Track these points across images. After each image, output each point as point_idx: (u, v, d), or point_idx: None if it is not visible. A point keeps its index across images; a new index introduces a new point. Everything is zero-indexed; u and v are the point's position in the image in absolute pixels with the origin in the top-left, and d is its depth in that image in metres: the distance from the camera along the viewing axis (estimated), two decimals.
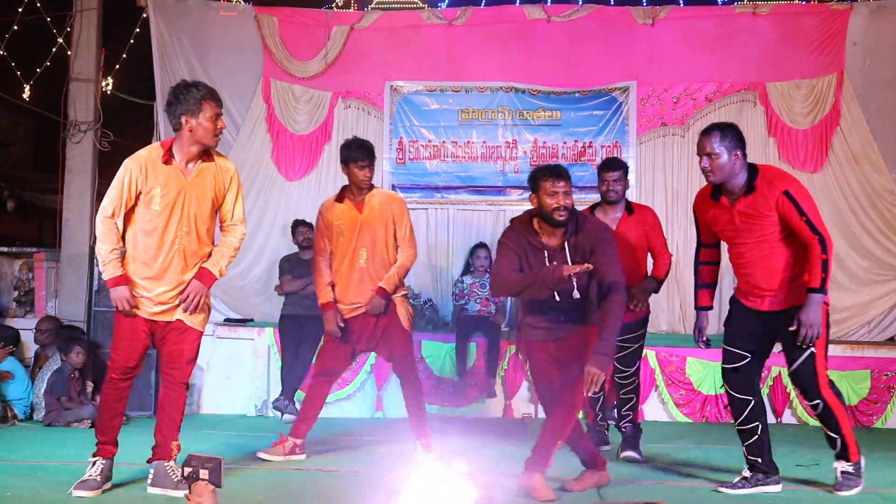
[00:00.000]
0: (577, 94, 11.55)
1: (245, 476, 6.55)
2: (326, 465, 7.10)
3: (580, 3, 11.79)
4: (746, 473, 6.47)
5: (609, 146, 11.41)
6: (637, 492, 6.27)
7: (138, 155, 6.20)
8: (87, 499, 5.91)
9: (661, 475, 6.87)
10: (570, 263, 6.05)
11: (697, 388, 10.23)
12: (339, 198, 7.64)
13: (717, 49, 11.43)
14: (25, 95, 12.17)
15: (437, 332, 10.61)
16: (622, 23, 11.56)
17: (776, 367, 10.19)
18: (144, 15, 11.59)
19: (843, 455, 6.47)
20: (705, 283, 6.83)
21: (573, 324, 6.24)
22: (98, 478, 6.07)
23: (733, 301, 6.65)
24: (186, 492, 5.07)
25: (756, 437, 6.45)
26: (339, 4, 12.17)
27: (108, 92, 11.81)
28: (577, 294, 6.09)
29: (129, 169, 6.12)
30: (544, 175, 6.12)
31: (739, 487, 6.40)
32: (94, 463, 6.14)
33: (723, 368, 6.59)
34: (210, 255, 6.27)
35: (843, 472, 6.44)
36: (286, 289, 10.34)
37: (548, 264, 6.09)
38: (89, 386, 9.59)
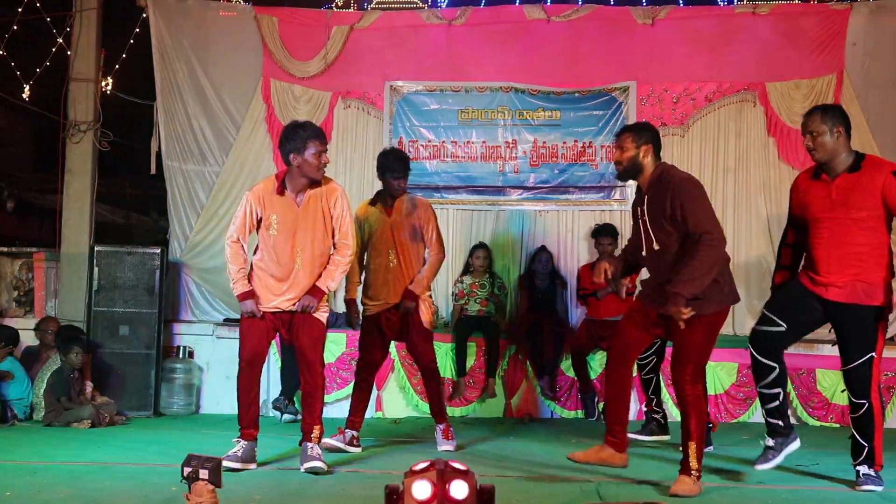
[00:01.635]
0: (576, 94, 11.55)
1: (244, 476, 6.56)
2: (326, 465, 7.06)
3: (580, 3, 11.80)
4: (770, 442, 6.70)
5: (609, 146, 11.39)
6: (637, 492, 6.27)
7: (256, 187, 7.18)
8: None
9: (661, 475, 6.85)
10: (647, 217, 6.40)
11: None
12: (373, 201, 8.17)
13: (716, 49, 11.44)
14: (25, 95, 12.17)
15: (436, 332, 10.58)
16: (622, 23, 11.56)
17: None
18: (144, 15, 11.59)
19: (867, 461, 6.58)
20: (785, 265, 6.97)
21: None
22: (239, 453, 6.93)
23: (795, 278, 6.76)
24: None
25: (778, 402, 6.73)
26: (339, 4, 12.18)
27: (108, 92, 11.79)
28: (656, 246, 6.34)
29: (249, 200, 7.10)
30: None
31: (771, 459, 6.67)
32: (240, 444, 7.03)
33: (754, 330, 6.81)
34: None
35: (865, 474, 6.52)
36: None
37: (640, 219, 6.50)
38: (88, 386, 9.59)
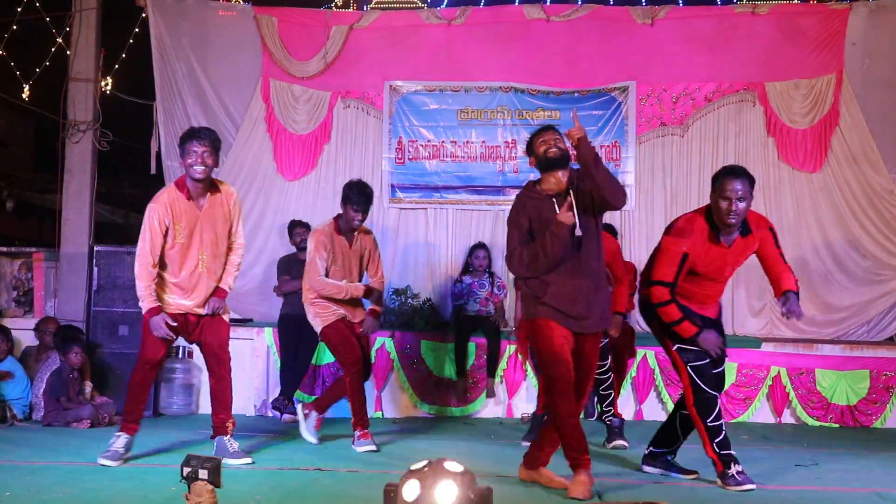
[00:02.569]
0: (576, 94, 11.57)
1: (243, 476, 6.55)
2: (325, 465, 7.08)
3: (579, 2, 11.81)
4: (739, 467, 6.53)
5: (608, 146, 11.42)
6: (637, 491, 6.28)
7: (160, 199, 7.21)
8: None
9: (661, 475, 6.88)
10: (574, 207, 6.22)
11: None
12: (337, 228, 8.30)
13: (716, 49, 11.47)
14: (25, 95, 12.16)
15: (436, 332, 10.62)
16: (621, 23, 11.58)
17: (775, 367, 10.25)
18: (144, 15, 11.60)
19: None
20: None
21: (598, 317, 6.38)
22: (121, 450, 7.11)
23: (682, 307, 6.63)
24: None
25: (725, 433, 6.63)
26: (339, 4, 12.17)
27: (108, 92, 11.79)
28: (578, 231, 6.23)
29: (157, 214, 7.15)
30: (535, 134, 6.53)
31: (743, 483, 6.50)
32: (119, 437, 7.21)
33: (694, 367, 6.57)
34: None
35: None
36: (285, 289, 10.35)
37: (558, 212, 6.26)
38: (88, 386, 9.59)
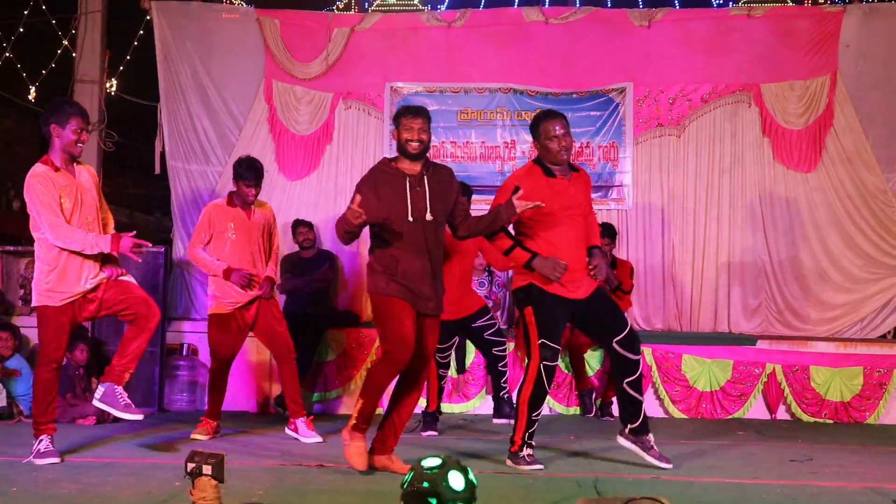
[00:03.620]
0: (574, 95, 11.65)
1: (247, 472, 6.59)
2: (327, 461, 7.14)
3: (577, 5, 11.90)
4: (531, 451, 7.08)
5: (606, 146, 11.52)
6: (633, 487, 6.28)
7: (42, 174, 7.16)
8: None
9: (657, 470, 6.91)
10: (427, 191, 6.61)
11: (693, 385, 10.35)
12: (230, 202, 8.60)
13: (712, 50, 11.54)
14: (31, 97, 12.24)
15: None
16: (619, 25, 11.66)
17: (770, 364, 10.34)
18: (148, 17, 11.69)
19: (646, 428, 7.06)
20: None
21: (438, 300, 6.75)
22: (51, 447, 7.13)
23: (544, 294, 6.89)
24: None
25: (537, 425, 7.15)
26: (340, 7, 12.25)
27: (113, 93, 11.89)
28: (429, 216, 6.59)
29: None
30: (403, 113, 6.74)
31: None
32: (42, 440, 7.15)
33: (546, 366, 6.90)
34: None
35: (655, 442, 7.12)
36: (287, 287, 10.44)
37: (408, 190, 6.60)
38: (94, 383, 9.66)
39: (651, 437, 7.02)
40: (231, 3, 12.25)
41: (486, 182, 11.65)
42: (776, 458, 7.67)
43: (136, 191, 18.17)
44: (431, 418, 8.89)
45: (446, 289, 7.18)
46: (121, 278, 7.24)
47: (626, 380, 6.92)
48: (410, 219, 6.57)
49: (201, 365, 10.63)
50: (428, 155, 6.78)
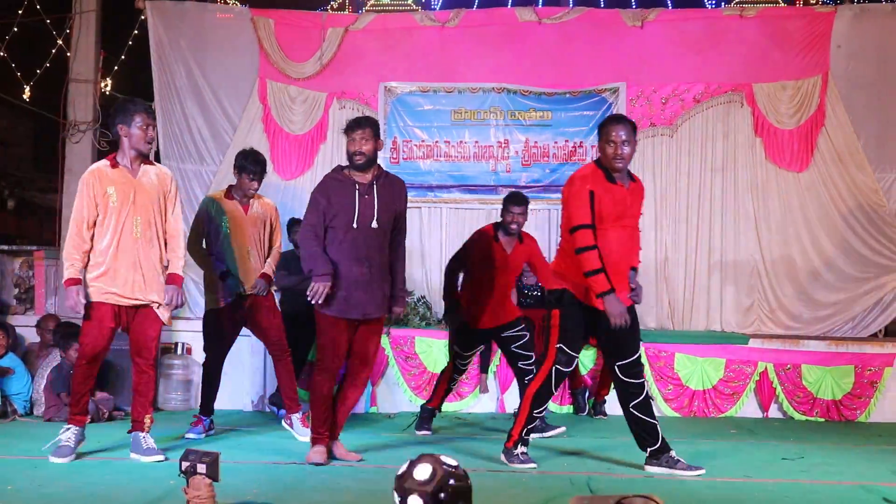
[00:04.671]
0: (567, 95, 11.68)
1: (241, 470, 6.61)
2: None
3: (570, 5, 11.93)
4: (525, 449, 7.12)
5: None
6: (626, 485, 6.31)
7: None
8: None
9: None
10: (376, 200, 6.96)
11: (686, 384, 10.38)
12: (228, 195, 8.62)
13: (704, 51, 11.57)
14: (25, 96, 12.25)
15: (430, 329, 10.73)
16: (612, 25, 11.69)
17: (763, 362, 10.38)
18: (143, 17, 11.70)
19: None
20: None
21: (375, 305, 7.09)
22: (71, 444, 7.06)
23: (578, 303, 6.85)
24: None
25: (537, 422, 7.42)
26: (334, 7, 12.27)
27: (107, 93, 11.91)
28: (375, 224, 6.94)
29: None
30: (349, 126, 7.06)
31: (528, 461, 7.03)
32: (68, 430, 7.13)
33: (559, 371, 6.92)
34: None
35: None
36: (281, 285, 10.44)
37: (357, 198, 6.94)
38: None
39: (673, 452, 6.89)
40: (225, 2, 12.27)
41: (479, 181, 11.72)
42: (768, 457, 7.71)
43: None
44: (428, 414, 8.90)
45: (490, 300, 7.83)
46: (159, 313, 7.26)
47: (632, 403, 6.87)
48: (355, 225, 6.90)
49: (195, 364, 10.64)
50: (381, 165, 7.13)
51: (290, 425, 8.42)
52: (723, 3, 11.84)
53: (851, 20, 11.37)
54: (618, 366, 6.83)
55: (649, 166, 11.62)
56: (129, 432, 7.24)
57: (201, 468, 5.03)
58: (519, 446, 7.02)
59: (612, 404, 10.25)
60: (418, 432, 8.74)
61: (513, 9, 11.92)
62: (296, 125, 11.84)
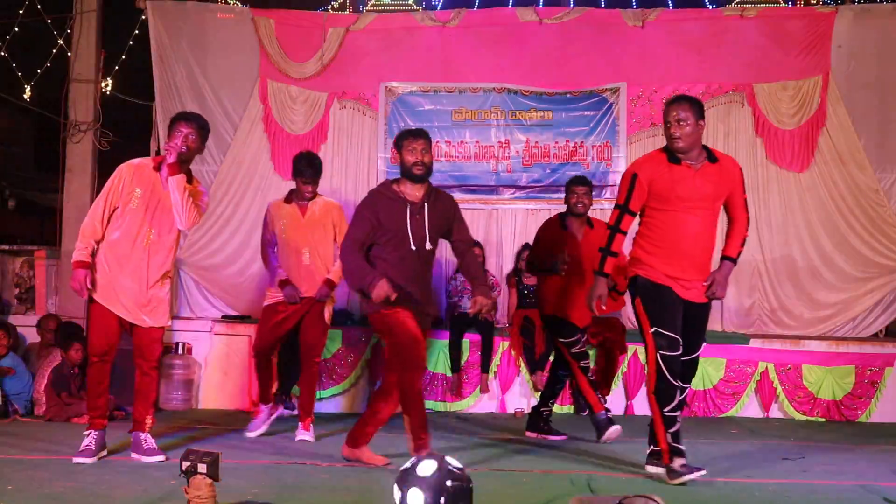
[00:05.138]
0: (568, 95, 11.68)
1: (242, 470, 6.61)
2: (322, 460, 7.19)
3: (571, 5, 11.92)
4: (682, 460, 6.54)
5: (600, 146, 11.55)
6: (627, 485, 6.32)
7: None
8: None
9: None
10: (427, 219, 6.72)
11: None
12: (287, 199, 8.60)
13: (705, 51, 11.56)
14: (26, 96, 12.23)
15: (430, 329, 10.70)
16: (612, 25, 11.68)
17: (763, 362, 10.39)
18: (143, 17, 11.69)
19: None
20: (616, 251, 6.79)
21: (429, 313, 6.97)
22: (93, 447, 7.02)
23: (655, 285, 6.60)
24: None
25: (679, 424, 6.61)
26: (335, 7, 12.24)
27: (108, 93, 11.90)
28: (429, 245, 6.75)
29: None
30: (405, 136, 6.83)
31: (687, 474, 6.49)
32: (88, 435, 7.08)
33: (665, 356, 6.49)
34: None
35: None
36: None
37: (408, 217, 6.69)
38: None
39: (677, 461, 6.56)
40: (226, 2, 12.26)
41: (480, 181, 11.71)
42: (768, 457, 7.72)
43: None
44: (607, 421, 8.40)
45: (568, 291, 7.84)
46: (150, 321, 7.13)
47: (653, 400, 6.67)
48: (413, 247, 6.69)
49: (196, 363, 10.65)
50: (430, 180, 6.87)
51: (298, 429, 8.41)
52: (723, 4, 11.81)
53: (852, 20, 11.36)
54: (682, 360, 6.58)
55: None
56: (130, 432, 7.21)
57: (202, 468, 5.03)
58: (675, 459, 6.49)
59: (613, 404, 10.30)
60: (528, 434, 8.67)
61: (513, 9, 11.91)
62: (296, 125, 11.83)
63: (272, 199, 10.94)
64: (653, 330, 6.52)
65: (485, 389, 10.47)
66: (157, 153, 11.60)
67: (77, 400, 9.30)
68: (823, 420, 10.24)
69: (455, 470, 4.46)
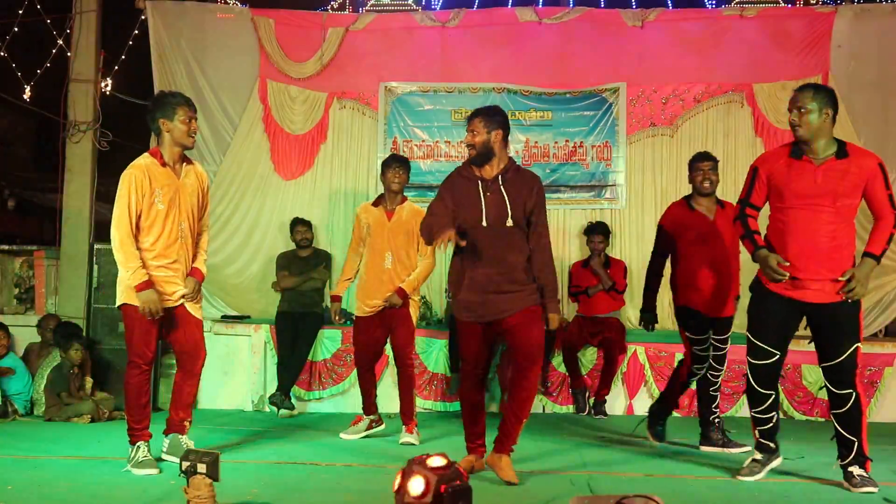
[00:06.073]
0: (567, 95, 11.68)
1: (241, 470, 6.64)
2: (322, 459, 7.20)
3: (571, 5, 11.93)
4: (758, 456, 6.68)
5: (599, 146, 11.55)
6: (627, 485, 6.34)
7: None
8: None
9: (651, 468, 6.99)
10: (504, 195, 6.49)
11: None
12: (375, 202, 8.45)
13: (704, 51, 11.58)
14: (26, 96, 12.23)
15: (430, 328, 10.73)
16: (612, 25, 11.70)
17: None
18: (143, 17, 11.70)
19: (858, 460, 6.47)
20: (756, 229, 6.68)
21: (508, 298, 6.50)
22: (149, 456, 6.71)
23: (765, 291, 6.58)
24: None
25: (772, 424, 6.68)
26: (335, 6, 12.26)
27: (108, 92, 11.90)
28: (510, 222, 6.48)
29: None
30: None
31: (757, 472, 6.63)
32: (139, 447, 6.72)
33: (753, 364, 6.62)
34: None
35: (859, 475, 6.40)
36: (283, 285, 10.47)
37: (482, 195, 6.51)
38: (88, 382, 9.68)
39: (855, 468, 6.47)
40: (226, 2, 12.26)
41: None
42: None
43: None
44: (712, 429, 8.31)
45: (699, 279, 7.55)
46: (189, 310, 6.91)
47: (833, 412, 6.58)
48: (484, 223, 6.51)
49: None
50: (512, 160, 6.72)
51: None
52: (723, 3, 11.82)
53: (852, 20, 11.36)
54: (823, 368, 6.52)
55: (649, 166, 11.64)
56: (166, 433, 7.00)
57: (201, 468, 5.04)
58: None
59: (613, 404, 10.31)
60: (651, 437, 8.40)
61: (513, 9, 11.93)
62: (296, 125, 11.84)
63: (271, 198, 11.03)
64: (747, 336, 6.70)
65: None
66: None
67: (76, 400, 9.32)
68: (823, 420, 10.19)
69: (456, 469, 4.47)
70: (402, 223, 8.25)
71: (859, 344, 6.42)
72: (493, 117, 6.67)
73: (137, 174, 6.70)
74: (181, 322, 6.89)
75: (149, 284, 6.63)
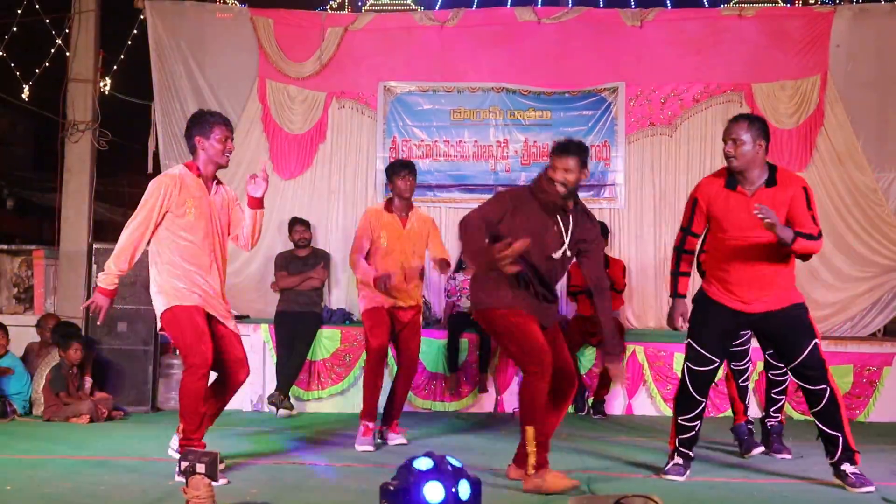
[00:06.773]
0: (566, 95, 11.69)
1: (240, 470, 6.64)
2: (321, 459, 7.20)
3: (570, 5, 11.94)
4: (679, 461, 6.66)
5: (598, 145, 11.54)
6: (625, 485, 6.32)
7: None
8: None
9: (650, 468, 6.97)
10: (565, 232, 6.30)
11: None
12: (387, 208, 8.23)
13: (703, 50, 11.59)
14: (25, 96, 12.23)
15: (429, 329, 10.71)
16: (611, 25, 11.71)
17: (762, 361, 10.33)
18: (142, 17, 11.72)
19: (847, 456, 6.47)
20: (685, 271, 6.80)
21: (554, 310, 6.52)
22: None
23: (709, 300, 6.62)
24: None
25: (694, 433, 6.69)
26: (334, 6, 12.26)
27: (106, 92, 11.91)
28: (568, 252, 6.34)
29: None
30: (556, 151, 6.26)
31: (683, 473, 6.63)
32: None
33: (691, 369, 6.57)
34: None
35: (853, 473, 6.41)
36: (281, 285, 10.47)
37: (559, 224, 6.29)
38: (87, 382, 9.69)
39: (846, 465, 6.45)
40: (224, 2, 12.27)
41: (478, 181, 11.73)
42: (768, 457, 7.70)
43: (131, 190, 18.14)
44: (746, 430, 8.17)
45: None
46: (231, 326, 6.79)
47: (811, 410, 6.57)
48: (555, 255, 6.35)
49: None
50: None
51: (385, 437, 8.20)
52: (722, 3, 11.82)
53: (851, 20, 11.37)
54: (790, 369, 6.56)
55: (648, 165, 11.65)
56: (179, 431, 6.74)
57: (200, 468, 5.05)
58: (674, 457, 6.72)
59: (612, 404, 10.32)
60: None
61: (512, 8, 11.93)
62: (295, 125, 11.85)
63: (270, 198, 10.99)
64: (686, 342, 6.66)
65: (483, 389, 10.48)
66: (156, 153, 11.63)
67: (75, 400, 9.32)
68: None
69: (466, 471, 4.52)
70: (416, 230, 8.19)
71: (817, 341, 6.48)
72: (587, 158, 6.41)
73: (167, 182, 6.63)
74: (230, 336, 6.79)
75: (113, 293, 6.60)
